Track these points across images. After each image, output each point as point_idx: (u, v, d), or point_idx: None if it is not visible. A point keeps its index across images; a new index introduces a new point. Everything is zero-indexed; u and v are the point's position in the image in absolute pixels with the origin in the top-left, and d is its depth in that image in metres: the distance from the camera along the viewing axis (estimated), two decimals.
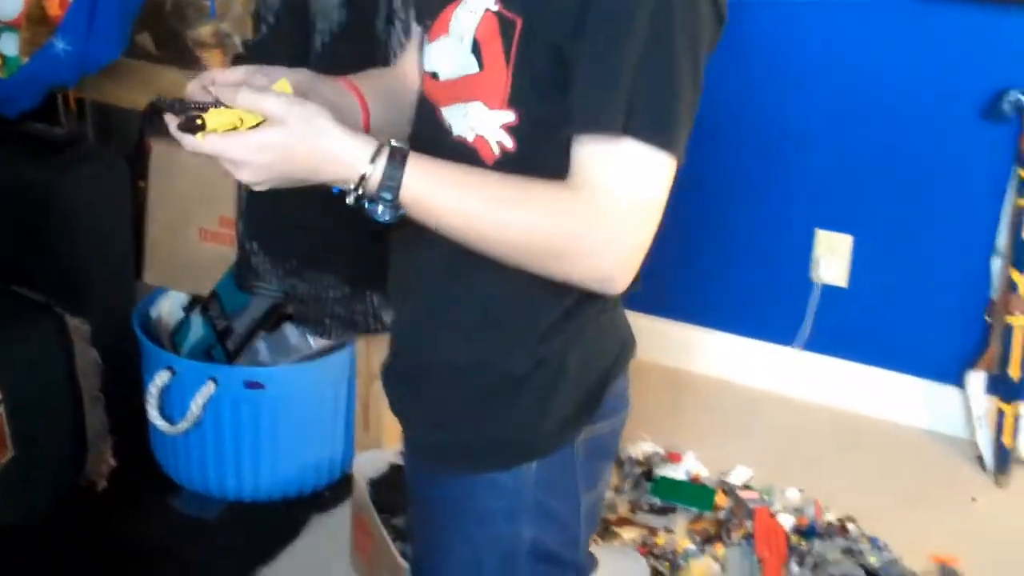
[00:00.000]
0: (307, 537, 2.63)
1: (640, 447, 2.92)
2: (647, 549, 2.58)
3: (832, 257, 3.14)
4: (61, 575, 2.48)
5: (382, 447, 2.64)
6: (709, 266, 3.28)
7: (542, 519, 1.41)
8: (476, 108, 1.29)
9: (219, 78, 1.29)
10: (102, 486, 2.68)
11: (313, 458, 2.70)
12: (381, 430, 2.66)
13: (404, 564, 2.23)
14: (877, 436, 3.12)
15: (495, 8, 1.26)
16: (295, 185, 1.24)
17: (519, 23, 1.24)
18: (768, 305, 3.28)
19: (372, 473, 2.51)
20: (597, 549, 2.31)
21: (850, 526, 2.68)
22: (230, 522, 2.67)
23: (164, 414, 2.62)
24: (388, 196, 1.21)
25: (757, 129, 3.13)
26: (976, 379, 3.00)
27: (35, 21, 2.64)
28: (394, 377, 1.52)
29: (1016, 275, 2.88)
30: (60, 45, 2.60)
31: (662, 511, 2.74)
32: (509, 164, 1.28)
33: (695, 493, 2.79)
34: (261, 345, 2.69)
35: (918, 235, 3.06)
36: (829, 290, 3.17)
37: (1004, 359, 2.92)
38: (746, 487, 2.83)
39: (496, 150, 1.29)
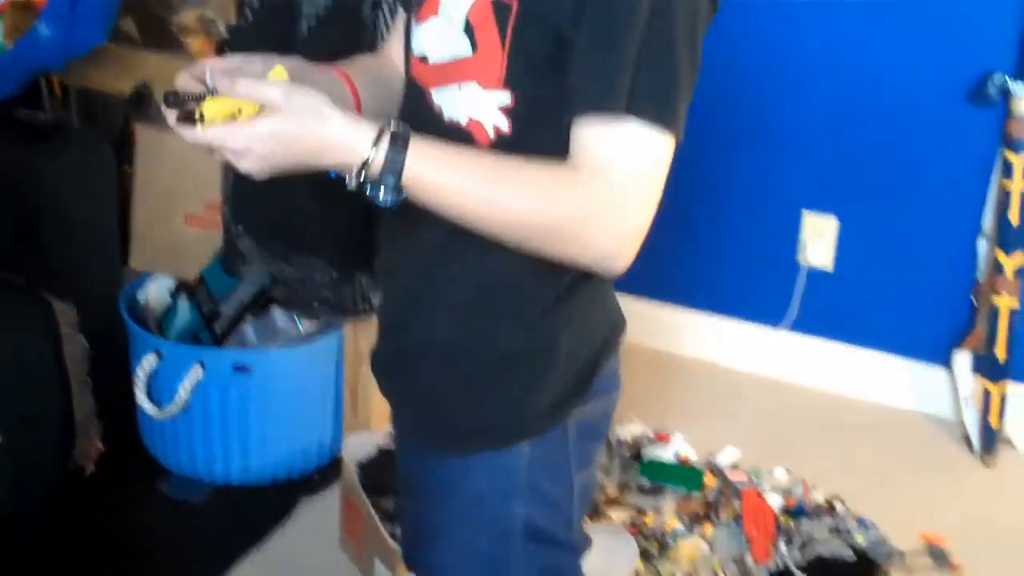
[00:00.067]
0: (296, 520, 2.63)
1: (629, 429, 2.93)
2: (636, 529, 2.59)
3: (818, 239, 3.15)
4: (49, 560, 2.47)
5: (371, 430, 2.64)
6: (697, 248, 3.28)
7: (535, 499, 1.41)
8: (471, 89, 1.28)
9: (212, 67, 1.27)
10: (90, 471, 2.67)
11: (302, 441, 2.70)
12: (370, 413, 2.66)
13: (394, 546, 2.23)
14: (864, 416, 3.13)
15: None
16: (296, 172, 1.24)
17: (515, 5, 1.24)
18: (755, 287, 3.29)
19: (361, 456, 2.52)
20: (587, 529, 2.31)
21: (838, 506, 2.69)
22: (219, 506, 2.67)
23: (152, 398, 2.61)
24: (391, 180, 1.20)
25: (744, 112, 3.13)
26: (963, 359, 3.02)
27: (19, 7, 2.63)
28: (384, 359, 1.52)
29: (1002, 256, 2.89)
30: (44, 30, 2.59)
31: (651, 492, 2.74)
32: (505, 146, 1.27)
33: (683, 474, 2.79)
34: (249, 329, 2.69)
35: (904, 217, 3.07)
36: (815, 272, 3.18)
37: (990, 339, 2.94)
38: (734, 468, 2.84)
39: (492, 133, 1.28)
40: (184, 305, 2.72)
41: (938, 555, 2.57)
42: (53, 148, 2.77)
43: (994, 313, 2.92)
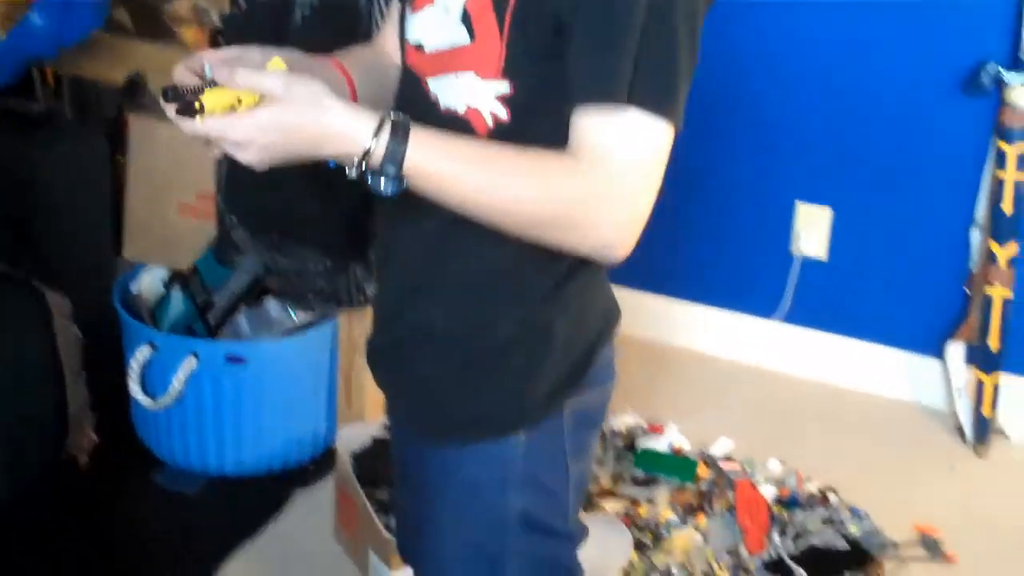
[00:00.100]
0: (290, 512, 2.63)
1: (622, 419, 2.93)
2: (630, 520, 2.59)
3: (812, 230, 3.15)
4: (42, 551, 2.47)
5: (365, 420, 2.64)
6: (691, 240, 3.28)
7: (531, 489, 1.41)
8: (468, 79, 1.28)
9: (209, 59, 1.27)
10: (84, 462, 2.67)
11: (296, 432, 2.70)
12: (364, 403, 2.66)
13: (388, 537, 2.23)
14: (857, 407, 3.14)
15: None
16: (295, 162, 1.23)
17: None
18: (749, 278, 3.29)
19: (355, 446, 2.52)
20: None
21: (831, 496, 2.70)
22: (213, 497, 2.66)
23: (146, 390, 2.61)
24: (392, 170, 1.20)
25: (737, 103, 3.13)
26: (956, 350, 3.02)
27: None
28: (379, 349, 1.52)
29: (995, 247, 2.89)
30: (37, 20, 2.59)
31: (644, 483, 2.74)
32: (503, 134, 1.27)
33: (677, 465, 2.79)
34: (242, 319, 2.69)
35: (897, 207, 3.07)
36: (809, 262, 3.18)
37: (983, 330, 2.94)
38: (727, 459, 2.84)
39: (490, 121, 1.28)
40: (178, 296, 2.72)
41: (931, 545, 2.58)
42: (46, 138, 2.76)
43: (987, 303, 2.92)
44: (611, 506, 2.64)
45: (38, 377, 2.57)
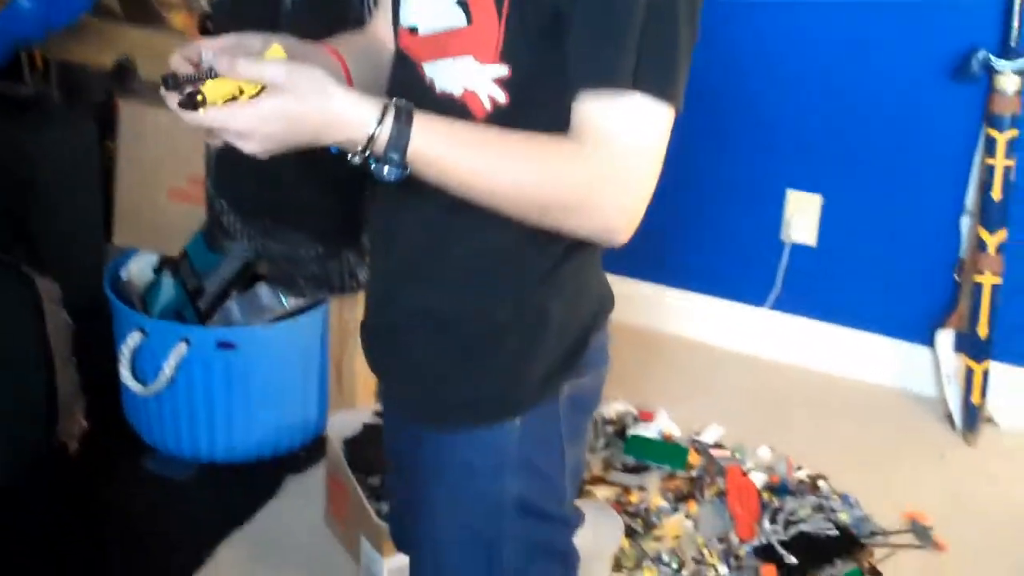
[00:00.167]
0: (282, 498, 2.63)
1: (613, 407, 2.93)
2: (620, 507, 2.59)
3: (802, 217, 3.16)
4: (33, 537, 2.46)
5: (356, 407, 2.64)
6: (682, 228, 3.28)
7: (527, 474, 1.41)
8: (466, 62, 1.27)
9: (206, 47, 1.26)
10: (74, 448, 2.66)
11: (287, 418, 2.69)
12: (355, 390, 2.66)
13: (380, 523, 2.23)
14: (847, 395, 3.14)
15: None
16: (298, 150, 1.23)
17: None
18: (740, 266, 3.29)
19: (347, 433, 2.51)
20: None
21: (821, 483, 2.71)
22: (203, 484, 2.66)
23: (136, 376, 2.60)
24: (396, 156, 1.20)
25: (728, 91, 3.12)
26: (945, 338, 3.03)
27: None
28: (374, 333, 1.51)
29: (985, 234, 2.90)
30: (25, 2, 2.58)
31: (635, 470, 2.75)
32: (501, 117, 1.27)
33: (668, 452, 2.80)
34: (233, 305, 2.68)
35: (887, 194, 3.08)
36: (799, 250, 3.19)
37: (973, 318, 2.95)
38: (718, 446, 2.85)
39: (487, 104, 1.28)
40: (168, 282, 2.71)
41: (921, 532, 2.59)
42: (35, 122, 2.75)
43: (977, 291, 2.93)
44: (601, 493, 2.64)
45: (28, 363, 2.56)
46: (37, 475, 2.58)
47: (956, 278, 3.03)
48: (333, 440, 2.48)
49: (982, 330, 2.94)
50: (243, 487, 2.64)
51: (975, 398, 2.96)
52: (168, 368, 2.55)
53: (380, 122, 1.19)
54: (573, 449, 1.46)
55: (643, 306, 3.34)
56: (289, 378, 2.67)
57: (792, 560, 2.45)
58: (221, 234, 2.58)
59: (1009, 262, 2.91)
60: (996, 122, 2.84)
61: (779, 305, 3.25)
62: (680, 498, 2.66)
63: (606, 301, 1.49)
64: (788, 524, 2.57)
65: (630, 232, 1.25)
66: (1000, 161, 2.84)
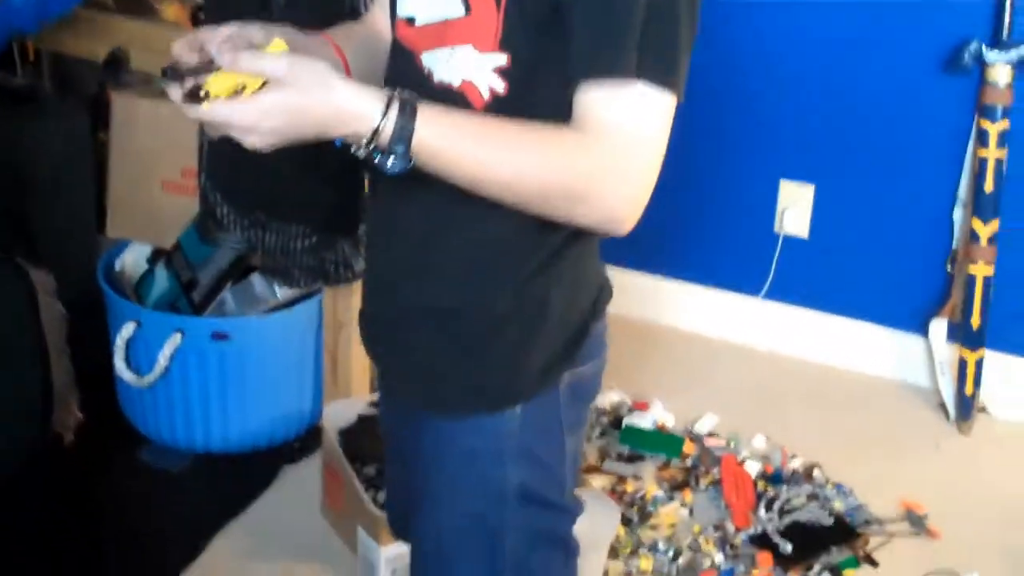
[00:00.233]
0: (277, 489, 2.63)
1: (608, 397, 2.94)
2: (616, 496, 2.59)
3: (795, 208, 3.16)
4: (28, 528, 2.46)
5: (351, 397, 2.64)
6: (676, 219, 3.28)
7: (528, 462, 1.41)
8: (465, 52, 1.27)
9: (207, 37, 1.25)
10: (69, 439, 2.66)
11: (282, 409, 2.69)
12: (350, 380, 2.65)
13: (377, 513, 2.23)
14: (841, 384, 3.15)
15: None
16: (302, 144, 1.22)
17: None
18: (734, 256, 3.30)
19: (342, 423, 2.51)
20: None
21: (816, 472, 2.72)
22: (199, 475, 2.66)
23: (131, 367, 2.60)
24: (400, 148, 1.19)
25: (722, 82, 3.12)
26: (938, 328, 3.04)
27: None
28: (373, 322, 1.51)
29: (978, 224, 2.90)
30: None
31: (630, 459, 2.75)
32: (500, 106, 1.26)
33: (663, 441, 2.81)
34: (227, 296, 2.68)
35: (880, 185, 3.08)
36: (792, 240, 3.19)
37: (966, 308, 2.95)
38: (713, 435, 2.86)
39: (486, 94, 1.27)
40: (162, 273, 2.71)
41: (915, 521, 2.60)
42: (28, 114, 2.74)
43: (970, 281, 2.93)
44: (597, 482, 2.65)
45: (23, 355, 2.56)
46: (32, 466, 2.58)
47: (949, 268, 3.04)
48: (328, 430, 2.48)
49: (975, 320, 2.95)
50: (238, 478, 2.64)
51: (968, 388, 2.96)
52: (163, 359, 2.55)
53: (384, 115, 1.18)
54: (572, 438, 1.46)
55: (637, 297, 3.34)
56: (284, 368, 2.67)
57: (787, 548, 2.46)
58: (214, 225, 2.58)
59: (1002, 252, 2.91)
60: (988, 113, 2.84)
61: (773, 295, 3.25)
62: (675, 487, 2.67)
63: (605, 290, 1.49)
64: (783, 513, 2.58)
65: (633, 222, 1.25)
66: (993, 152, 2.85)
